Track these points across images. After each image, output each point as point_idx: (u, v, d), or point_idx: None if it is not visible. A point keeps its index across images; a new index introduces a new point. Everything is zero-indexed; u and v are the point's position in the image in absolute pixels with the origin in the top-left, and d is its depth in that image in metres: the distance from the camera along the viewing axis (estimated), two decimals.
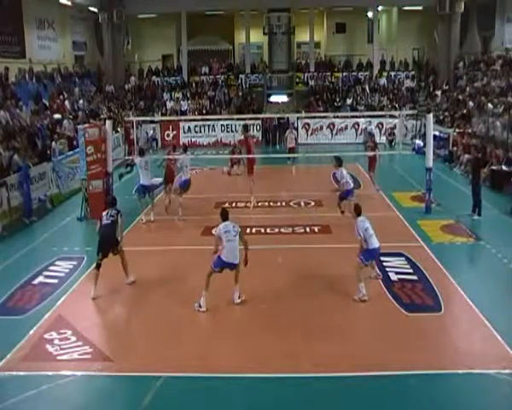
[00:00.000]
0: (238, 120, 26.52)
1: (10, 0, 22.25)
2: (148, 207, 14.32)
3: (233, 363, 7.48)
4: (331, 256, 11.41)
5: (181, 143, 27.02)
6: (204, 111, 28.87)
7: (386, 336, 8.09)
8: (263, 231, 13.19)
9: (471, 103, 23.85)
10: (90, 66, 30.17)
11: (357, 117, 26.72)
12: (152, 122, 26.65)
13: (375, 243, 9.25)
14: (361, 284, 9.21)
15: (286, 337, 8.13)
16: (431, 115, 15.19)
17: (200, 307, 8.95)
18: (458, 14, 28.82)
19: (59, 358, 7.68)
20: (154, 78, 31.79)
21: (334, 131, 27.23)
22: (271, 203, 15.80)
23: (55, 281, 10.42)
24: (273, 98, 30.34)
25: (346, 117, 26.96)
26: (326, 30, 34.76)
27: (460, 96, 25.81)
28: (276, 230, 13.20)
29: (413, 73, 31.30)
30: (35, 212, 14.92)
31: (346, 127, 27.14)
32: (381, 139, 26.65)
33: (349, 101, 29.24)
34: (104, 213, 10.10)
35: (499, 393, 6.76)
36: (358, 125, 27.12)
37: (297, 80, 31.42)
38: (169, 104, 29.17)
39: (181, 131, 27.52)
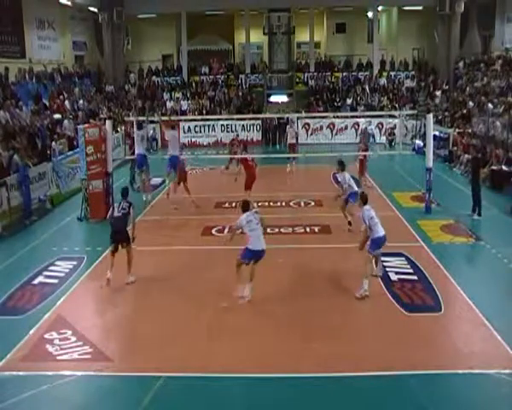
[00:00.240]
0: (238, 120, 26.55)
1: (10, 0, 22.26)
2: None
3: (233, 363, 7.48)
4: (331, 256, 11.40)
5: (181, 143, 27.22)
6: (204, 111, 28.86)
7: (386, 336, 8.09)
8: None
9: (471, 103, 23.86)
10: (90, 66, 30.19)
11: (357, 117, 26.73)
12: (152, 122, 26.61)
13: (380, 231, 9.44)
14: (366, 280, 9.28)
15: (286, 337, 8.13)
16: (431, 115, 15.21)
17: (243, 297, 9.04)
18: (458, 14, 28.83)
19: (59, 358, 7.68)
20: (154, 78, 31.81)
21: (334, 131, 27.22)
22: (271, 203, 15.80)
23: (55, 281, 10.42)
24: (273, 98, 30.36)
25: (346, 117, 26.95)
26: (326, 30, 34.77)
27: (460, 97, 25.81)
28: (276, 230, 13.20)
29: (413, 73, 31.28)
30: (35, 212, 14.92)
31: (346, 127, 27.13)
32: (380, 139, 26.72)
33: (349, 101, 29.24)
34: (116, 205, 10.20)
35: (499, 393, 6.76)
36: (358, 126, 27.07)
37: (297, 80, 31.42)
38: (169, 104, 29.18)
39: (181, 131, 27.41)
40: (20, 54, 23.08)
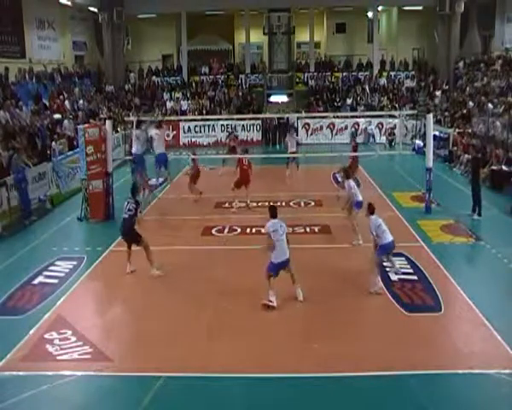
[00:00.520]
0: (238, 119, 26.54)
1: (10, 0, 22.26)
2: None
3: (233, 363, 7.47)
4: (331, 257, 11.40)
5: (181, 143, 27.27)
6: (204, 111, 28.87)
7: (386, 336, 8.09)
8: (263, 230, 13.11)
9: (471, 103, 23.87)
10: (90, 66, 30.20)
11: (357, 117, 26.74)
12: (152, 122, 26.59)
13: (388, 237, 9.57)
14: (377, 278, 9.43)
15: (286, 337, 8.14)
16: (431, 115, 15.21)
17: (270, 301, 8.93)
18: (458, 14, 28.85)
19: (59, 358, 7.68)
20: (154, 78, 31.82)
21: (334, 131, 27.25)
22: (271, 203, 15.73)
23: (55, 281, 10.41)
24: (273, 98, 30.37)
25: (346, 117, 26.99)
26: (326, 30, 34.79)
27: (460, 97, 25.81)
28: None
29: (413, 73, 31.31)
30: (35, 212, 14.92)
31: (345, 127, 27.17)
32: (380, 139, 26.75)
33: (349, 101, 29.26)
34: (125, 204, 10.37)
35: (499, 393, 6.76)
36: (358, 125, 27.16)
37: (297, 80, 31.45)
38: (169, 104, 29.19)
39: (181, 131, 27.53)
40: (20, 54, 23.09)
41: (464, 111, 23.72)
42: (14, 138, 16.34)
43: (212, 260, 11.43)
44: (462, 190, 16.27)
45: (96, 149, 14.51)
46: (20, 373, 7.30)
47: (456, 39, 29.53)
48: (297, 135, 23.15)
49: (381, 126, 26.92)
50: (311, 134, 27.45)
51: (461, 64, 28.89)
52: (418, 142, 22.72)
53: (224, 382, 7.06)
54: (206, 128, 27.38)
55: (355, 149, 17.64)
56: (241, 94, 30.00)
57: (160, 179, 16.92)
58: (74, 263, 11.32)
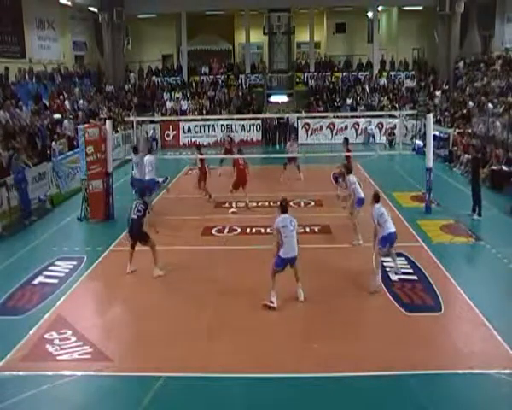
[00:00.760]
0: (238, 119, 26.54)
1: (10, 0, 22.26)
2: None
3: (233, 363, 7.48)
4: (331, 256, 11.40)
5: (181, 143, 27.29)
6: (204, 111, 28.85)
7: (386, 336, 8.09)
8: (263, 231, 13.18)
9: (471, 103, 23.86)
10: (90, 66, 30.18)
11: (357, 117, 26.74)
12: (152, 122, 26.67)
13: (390, 227, 9.58)
14: (377, 276, 9.42)
15: (286, 337, 8.14)
16: (431, 115, 15.21)
17: (271, 303, 8.90)
18: (458, 14, 28.84)
19: (59, 358, 7.68)
20: (154, 78, 31.81)
21: (334, 131, 27.21)
22: (271, 203, 15.76)
23: (55, 281, 10.41)
24: (273, 98, 30.36)
25: (346, 117, 26.98)
26: (326, 30, 34.78)
27: (460, 97, 25.80)
28: None
29: (413, 73, 31.29)
30: (35, 212, 14.92)
31: (346, 127, 27.14)
32: (380, 139, 26.74)
33: (349, 101, 29.24)
34: (134, 204, 10.43)
35: (499, 393, 6.76)
36: (358, 125, 27.16)
37: (297, 80, 31.44)
38: (169, 104, 29.19)
39: (181, 131, 27.54)
40: (20, 54, 23.07)
41: (464, 111, 23.71)
42: (14, 138, 16.35)
43: (212, 260, 11.43)
44: (462, 190, 16.27)
45: (96, 149, 14.51)
46: (20, 373, 7.31)
47: (456, 39, 29.52)
48: (297, 136, 23.00)
49: (380, 126, 26.92)
50: (311, 134, 27.43)
51: (461, 64, 28.89)
52: (418, 142, 22.71)
53: (224, 382, 7.07)
54: (206, 128, 27.37)
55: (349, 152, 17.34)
56: (241, 94, 29.99)
57: (161, 179, 16.85)
58: (74, 263, 11.33)
